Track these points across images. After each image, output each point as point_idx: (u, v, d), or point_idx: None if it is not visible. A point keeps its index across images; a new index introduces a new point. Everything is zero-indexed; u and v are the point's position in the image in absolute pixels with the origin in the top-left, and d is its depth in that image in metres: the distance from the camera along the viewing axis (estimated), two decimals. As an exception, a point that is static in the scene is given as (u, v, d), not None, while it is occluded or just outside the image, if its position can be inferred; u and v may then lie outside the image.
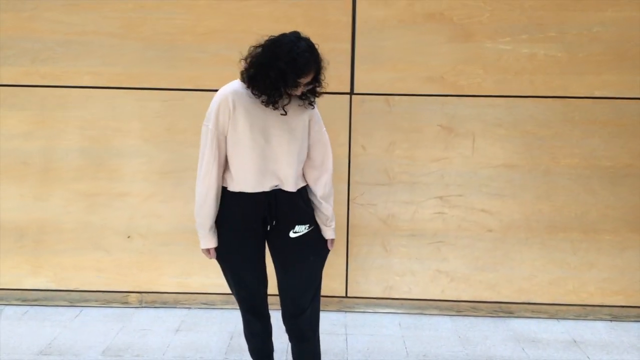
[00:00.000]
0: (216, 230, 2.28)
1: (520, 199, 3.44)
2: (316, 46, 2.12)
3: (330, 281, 3.52)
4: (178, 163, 3.45)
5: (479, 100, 3.37)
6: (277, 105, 2.13)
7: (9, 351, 3.04)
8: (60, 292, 3.59)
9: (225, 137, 2.19)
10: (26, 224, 3.52)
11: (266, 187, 2.23)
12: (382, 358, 3.04)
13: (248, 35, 3.24)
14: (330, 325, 3.39)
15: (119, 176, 3.48)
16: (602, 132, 3.36)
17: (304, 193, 2.35)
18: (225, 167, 2.25)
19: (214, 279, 3.53)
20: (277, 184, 2.25)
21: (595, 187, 3.41)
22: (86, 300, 3.60)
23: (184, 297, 3.61)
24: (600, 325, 3.47)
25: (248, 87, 2.14)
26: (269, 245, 2.38)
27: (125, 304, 3.61)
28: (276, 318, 2.53)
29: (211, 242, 2.27)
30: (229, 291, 2.49)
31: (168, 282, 3.59)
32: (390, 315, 3.56)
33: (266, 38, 2.13)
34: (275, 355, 2.64)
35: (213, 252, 2.30)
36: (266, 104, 2.12)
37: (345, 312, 3.59)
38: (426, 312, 3.58)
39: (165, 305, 3.61)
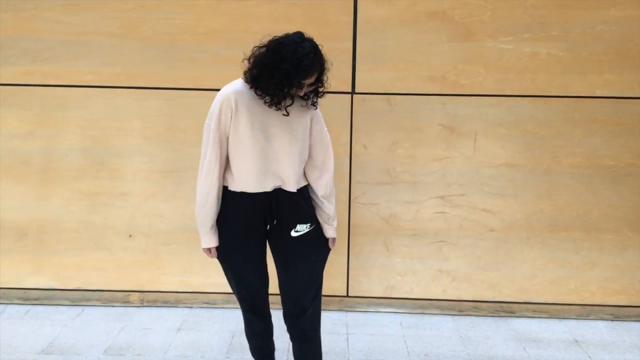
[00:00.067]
0: (217, 230, 2.28)
1: (521, 198, 3.43)
2: (320, 47, 2.12)
3: (332, 280, 3.52)
4: (179, 162, 3.45)
5: (481, 100, 3.36)
6: (280, 106, 2.13)
7: (10, 350, 3.04)
8: (61, 292, 3.60)
9: (227, 137, 2.19)
10: (27, 224, 3.53)
11: (268, 187, 2.23)
12: (383, 358, 3.04)
13: (248, 35, 3.24)
14: (332, 325, 3.39)
15: (120, 176, 3.48)
16: (603, 132, 3.36)
17: (305, 192, 2.35)
18: (226, 166, 2.25)
19: (215, 278, 3.53)
20: (278, 184, 2.25)
21: (597, 187, 3.40)
22: (87, 300, 3.60)
23: (185, 296, 3.61)
24: (601, 324, 3.46)
25: (251, 87, 2.14)
26: (270, 245, 2.38)
27: (127, 303, 3.61)
28: (277, 317, 2.53)
29: (212, 241, 2.27)
30: (230, 290, 2.49)
31: (169, 282, 3.59)
32: (391, 314, 3.56)
33: (269, 38, 2.12)
34: (277, 354, 2.64)
35: (214, 252, 2.30)
36: (269, 104, 2.12)
37: (347, 311, 3.59)
38: (428, 312, 3.58)
39: (166, 304, 3.61)
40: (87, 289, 3.60)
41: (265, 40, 2.13)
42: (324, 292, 2.50)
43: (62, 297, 3.60)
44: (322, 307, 2.51)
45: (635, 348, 3.19)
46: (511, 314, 3.54)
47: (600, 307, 3.51)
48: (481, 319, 3.51)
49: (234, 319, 3.41)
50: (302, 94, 2.17)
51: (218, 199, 2.24)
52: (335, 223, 2.40)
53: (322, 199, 2.35)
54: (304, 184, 2.34)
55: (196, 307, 3.60)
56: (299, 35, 2.10)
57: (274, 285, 2.43)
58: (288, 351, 3.02)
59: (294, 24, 3.24)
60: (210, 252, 2.31)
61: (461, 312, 3.56)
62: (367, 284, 3.57)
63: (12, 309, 3.54)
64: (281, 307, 2.46)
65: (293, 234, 2.29)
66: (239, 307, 2.50)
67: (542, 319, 3.51)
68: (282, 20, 3.29)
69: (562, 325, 3.44)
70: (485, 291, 3.53)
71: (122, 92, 3.41)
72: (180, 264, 3.56)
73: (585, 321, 3.49)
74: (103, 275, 3.58)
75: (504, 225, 3.47)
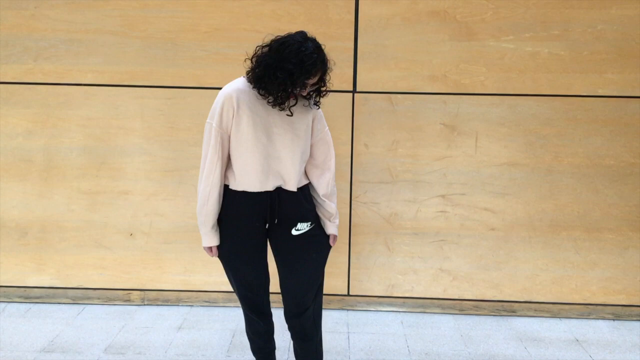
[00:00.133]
0: (218, 229, 2.28)
1: (523, 197, 3.43)
2: (323, 46, 2.12)
3: (333, 279, 3.53)
4: (180, 161, 3.45)
5: (482, 99, 3.36)
6: (284, 106, 2.13)
7: (11, 348, 3.04)
8: (62, 290, 3.60)
9: (229, 136, 2.19)
10: (29, 222, 3.53)
11: (269, 186, 2.23)
12: (384, 356, 3.04)
13: (250, 34, 3.29)
14: (333, 324, 3.39)
15: (122, 174, 3.48)
16: (604, 131, 3.36)
17: (306, 191, 2.35)
18: (227, 165, 2.25)
19: (216, 277, 3.54)
20: (280, 183, 2.25)
21: (598, 186, 3.40)
22: (89, 298, 3.61)
23: (186, 295, 3.61)
24: (602, 324, 3.46)
25: (255, 87, 2.14)
26: (270, 244, 2.38)
27: (128, 301, 3.61)
28: (278, 316, 2.53)
29: (213, 240, 2.27)
30: (231, 289, 2.49)
31: (170, 280, 3.59)
32: (392, 313, 3.56)
33: (272, 38, 2.12)
34: (278, 353, 2.64)
35: (215, 250, 2.30)
36: (273, 104, 2.12)
37: (348, 310, 3.59)
38: (428, 311, 3.58)
39: (167, 303, 3.61)
40: (88, 288, 3.60)
41: (268, 39, 2.13)
42: (325, 291, 2.50)
43: (63, 296, 3.60)
44: (323, 306, 2.51)
45: (636, 347, 3.18)
46: (512, 313, 3.54)
47: (601, 307, 3.51)
48: (482, 318, 3.51)
49: (234, 317, 3.41)
50: (305, 93, 2.17)
51: (219, 198, 2.24)
52: (337, 221, 2.41)
53: (323, 198, 2.36)
54: (304, 182, 2.34)
55: (197, 306, 3.61)
56: (302, 35, 2.10)
57: (274, 284, 2.43)
58: (289, 350, 3.02)
59: (296, 23, 3.26)
60: (212, 251, 2.31)
61: (462, 311, 3.56)
62: (368, 283, 3.57)
63: (13, 307, 3.54)
64: (282, 306, 2.46)
65: (294, 232, 2.29)
66: (240, 306, 2.49)
67: (543, 318, 3.51)
68: (284, 18, 3.29)
69: (563, 325, 3.44)
70: (486, 290, 3.53)
71: (124, 90, 3.41)
72: (181, 263, 3.56)
73: (586, 320, 3.49)
74: (104, 273, 3.58)
75: (505, 225, 3.47)
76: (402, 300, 3.58)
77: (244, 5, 3.31)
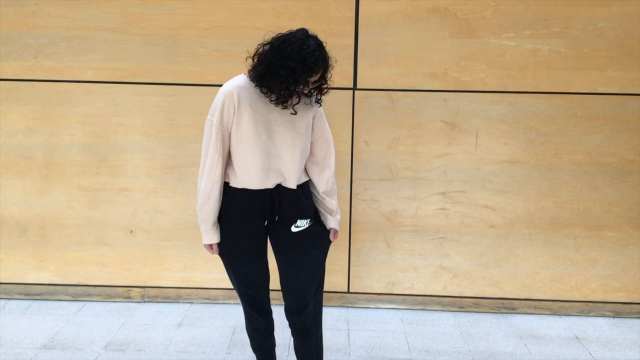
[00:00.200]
0: (219, 226, 2.28)
1: (523, 195, 3.43)
2: (324, 44, 2.11)
3: (333, 277, 3.53)
4: (180, 158, 3.45)
5: (483, 96, 3.36)
6: (286, 105, 2.13)
7: (12, 345, 3.05)
8: (63, 287, 3.60)
9: (230, 133, 2.18)
10: (29, 219, 3.53)
11: (270, 184, 2.22)
12: (384, 354, 3.05)
13: (251, 31, 3.28)
14: (333, 321, 3.39)
15: (122, 171, 3.48)
16: (605, 129, 3.36)
17: (306, 188, 2.35)
18: (227, 162, 2.25)
19: (217, 274, 3.54)
20: (280, 181, 2.25)
21: (599, 184, 3.40)
22: (89, 295, 3.61)
23: (186, 292, 3.61)
24: (602, 321, 3.46)
25: (257, 86, 2.13)
26: (270, 241, 2.37)
27: (128, 298, 3.62)
28: (278, 313, 2.53)
29: (214, 237, 2.27)
30: (231, 286, 2.49)
31: (170, 277, 3.59)
32: (392, 311, 3.57)
33: (273, 36, 2.12)
34: (278, 350, 2.64)
35: (216, 248, 2.30)
36: (276, 103, 2.12)
37: (348, 307, 3.60)
38: (428, 308, 3.58)
39: (167, 300, 3.61)
40: (88, 285, 3.60)
41: (269, 37, 2.13)
42: (325, 288, 2.50)
43: (63, 293, 3.60)
44: (323, 303, 2.51)
45: (636, 345, 3.19)
46: (512, 310, 3.54)
47: (601, 304, 3.51)
48: (482, 316, 3.52)
49: (234, 314, 3.41)
50: (306, 91, 2.17)
51: (220, 195, 2.23)
52: (338, 216, 2.41)
53: (323, 195, 2.36)
54: (304, 180, 2.34)
55: (197, 303, 3.61)
56: (303, 33, 2.10)
57: (275, 281, 2.43)
58: (289, 347, 3.02)
59: (297, 20, 3.25)
60: (212, 248, 2.30)
61: (462, 309, 3.57)
62: (368, 280, 3.57)
63: (14, 304, 3.54)
64: (282, 303, 2.46)
65: (293, 229, 2.29)
66: (240, 303, 2.49)
67: (543, 316, 3.51)
68: (284, 15, 3.28)
69: (563, 322, 3.44)
70: (486, 288, 3.54)
71: (124, 87, 3.41)
72: (181, 260, 3.57)
73: (586, 318, 3.49)
74: (104, 270, 3.58)
75: (505, 222, 3.47)
76: (402, 297, 3.59)
77: (244, 2, 3.31)
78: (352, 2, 3.29)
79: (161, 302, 3.61)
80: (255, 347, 2.56)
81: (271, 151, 2.20)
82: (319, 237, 2.38)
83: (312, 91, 2.22)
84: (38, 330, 3.22)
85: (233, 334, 3.22)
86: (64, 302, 3.58)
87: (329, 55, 2.13)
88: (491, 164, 3.42)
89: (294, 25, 2.17)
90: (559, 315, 3.52)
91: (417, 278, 3.55)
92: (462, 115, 3.38)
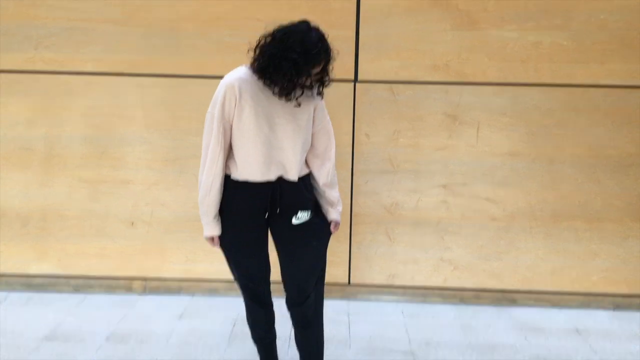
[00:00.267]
0: (220, 218, 2.28)
1: (524, 187, 3.43)
2: (326, 36, 2.11)
3: (334, 269, 3.53)
4: (181, 150, 3.45)
5: (484, 89, 3.35)
6: (290, 97, 2.12)
7: (14, 337, 3.06)
8: (64, 279, 3.61)
9: (231, 125, 2.18)
10: (30, 211, 3.53)
11: (271, 176, 2.22)
12: (384, 345, 3.05)
13: (252, 22, 3.27)
14: (333, 313, 3.40)
15: (123, 164, 3.48)
16: (606, 122, 3.35)
17: (307, 180, 2.35)
18: (228, 155, 2.25)
19: (218, 265, 3.54)
20: (281, 173, 2.25)
21: (600, 177, 3.40)
22: (90, 287, 3.62)
23: (187, 284, 3.62)
24: (602, 314, 3.47)
25: (260, 78, 2.13)
26: (271, 233, 2.37)
27: (129, 290, 3.62)
28: (279, 304, 2.53)
29: (215, 230, 2.27)
30: (232, 278, 2.49)
31: (172, 269, 3.60)
32: (393, 303, 3.57)
33: (275, 27, 2.11)
34: (279, 342, 2.65)
35: (217, 240, 2.30)
36: (279, 95, 2.11)
37: (348, 299, 3.60)
38: (429, 300, 3.59)
39: (169, 292, 3.62)
40: (89, 276, 3.61)
41: (270, 28, 2.12)
42: (326, 280, 2.50)
43: (65, 284, 3.61)
44: (324, 296, 2.51)
45: (636, 337, 3.19)
46: (513, 303, 3.55)
47: (602, 297, 3.52)
48: (483, 308, 3.52)
49: (236, 306, 3.42)
50: (308, 83, 2.16)
51: (222, 187, 2.23)
52: (339, 208, 2.41)
53: (324, 187, 2.36)
54: (305, 172, 2.34)
55: (198, 295, 3.62)
56: (305, 24, 2.09)
57: (275, 273, 2.43)
58: (290, 338, 3.03)
59: (298, 11, 3.23)
60: (213, 241, 2.30)
61: (463, 301, 3.57)
62: (369, 273, 3.58)
63: (15, 296, 3.55)
64: (283, 295, 2.46)
65: (294, 221, 2.29)
66: (241, 295, 2.50)
67: (543, 308, 3.52)
68: (285, 7, 3.27)
69: (564, 314, 3.45)
70: (487, 280, 3.54)
71: (125, 79, 3.40)
72: (183, 252, 3.57)
73: (587, 310, 3.50)
74: (106, 262, 3.59)
75: (506, 215, 3.47)
76: (402, 289, 3.59)
77: (245, -7, 3.30)
78: (353, -7, 3.29)
79: (162, 294, 3.62)
80: (256, 339, 2.56)
81: (272, 143, 2.20)
82: (320, 229, 2.39)
83: (314, 83, 2.21)
84: (40, 322, 3.23)
85: (234, 325, 3.23)
86: (65, 294, 3.59)
87: (332, 48, 2.12)
88: (492, 157, 3.41)
89: (295, 17, 2.15)
90: (560, 307, 3.53)
91: (418, 270, 3.56)
92: (463, 107, 3.38)
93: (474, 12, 3.28)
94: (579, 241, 3.46)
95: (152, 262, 3.59)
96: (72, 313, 3.35)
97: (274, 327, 2.56)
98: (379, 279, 3.58)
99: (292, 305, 2.44)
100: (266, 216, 2.28)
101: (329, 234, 2.42)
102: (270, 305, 2.51)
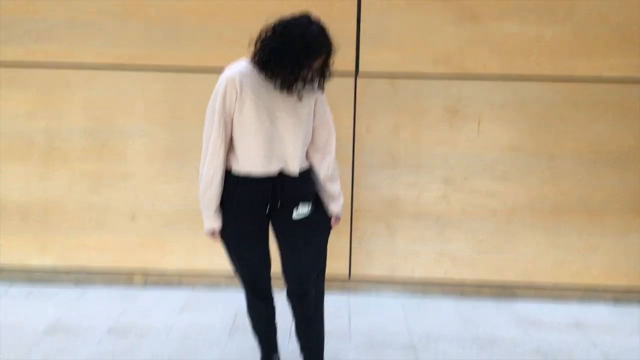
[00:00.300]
0: (221, 212, 2.27)
1: (525, 182, 3.43)
2: (327, 29, 2.10)
3: (334, 263, 3.52)
4: (182, 143, 3.44)
5: (485, 83, 3.35)
6: (291, 91, 2.12)
7: (15, 330, 3.06)
8: (65, 272, 3.61)
9: (232, 119, 2.17)
10: (30, 204, 3.53)
11: (272, 170, 2.22)
12: (385, 339, 3.06)
13: (252, 15, 3.25)
14: (334, 307, 3.40)
15: (123, 156, 3.48)
16: (607, 116, 3.34)
17: (308, 174, 2.35)
18: (229, 148, 2.24)
19: (218, 259, 3.54)
20: (282, 167, 2.24)
21: (600, 171, 3.39)
22: (91, 280, 3.62)
23: (188, 277, 3.62)
24: (603, 307, 3.48)
25: (261, 71, 2.12)
26: (272, 227, 2.37)
27: (130, 284, 3.63)
28: (280, 298, 2.53)
29: (216, 223, 2.26)
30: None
31: (172, 263, 3.60)
32: (393, 296, 3.58)
33: (276, 21, 2.10)
34: (279, 335, 2.65)
35: (217, 234, 2.30)
36: (280, 88, 2.10)
37: (349, 293, 3.61)
38: (430, 294, 3.59)
39: (169, 285, 3.62)
40: (90, 270, 3.61)
41: (271, 22, 2.11)
42: (326, 274, 2.50)
43: (66, 278, 3.61)
44: (324, 290, 2.51)
45: (637, 331, 3.20)
46: (513, 296, 3.55)
47: (602, 290, 3.52)
48: (483, 301, 3.53)
49: (236, 300, 3.41)
50: (309, 76, 2.15)
51: (222, 181, 2.22)
52: (340, 201, 2.40)
53: (324, 181, 2.35)
54: (306, 165, 2.33)
55: (199, 288, 3.62)
56: (306, 18, 2.08)
57: (276, 267, 2.43)
58: (290, 332, 3.03)
59: (299, 4, 3.20)
60: (214, 234, 2.30)
61: (463, 295, 3.58)
62: (369, 267, 3.58)
63: (16, 290, 3.55)
64: (283, 289, 2.46)
65: (295, 216, 2.29)
66: (242, 288, 2.50)
67: (543, 302, 3.52)
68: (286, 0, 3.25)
69: (564, 308, 3.45)
70: (487, 274, 3.54)
71: (125, 72, 3.39)
72: (183, 245, 3.57)
73: (587, 304, 3.50)
74: (106, 255, 3.59)
75: (506, 209, 3.47)
76: (403, 283, 3.60)
77: (246, -14, 3.28)
78: (354, -14, 3.27)
79: (163, 287, 3.62)
80: (256, 332, 2.56)
81: (273, 137, 2.19)
82: (320, 222, 2.38)
83: (315, 77, 2.20)
84: (40, 316, 3.23)
85: (235, 319, 3.24)
86: (66, 287, 3.59)
87: (333, 41, 2.11)
88: (493, 151, 3.41)
89: (296, 9, 2.14)
90: (560, 301, 3.53)
91: (418, 264, 3.56)
92: (464, 101, 3.37)
93: (475, 6, 3.26)
94: (579, 235, 3.46)
95: (152, 256, 3.59)
96: (73, 306, 3.35)
97: (274, 321, 2.56)
98: (379, 272, 3.59)
99: (292, 298, 2.43)
100: (267, 210, 2.28)
101: (330, 227, 2.42)
102: (271, 299, 2.51)
